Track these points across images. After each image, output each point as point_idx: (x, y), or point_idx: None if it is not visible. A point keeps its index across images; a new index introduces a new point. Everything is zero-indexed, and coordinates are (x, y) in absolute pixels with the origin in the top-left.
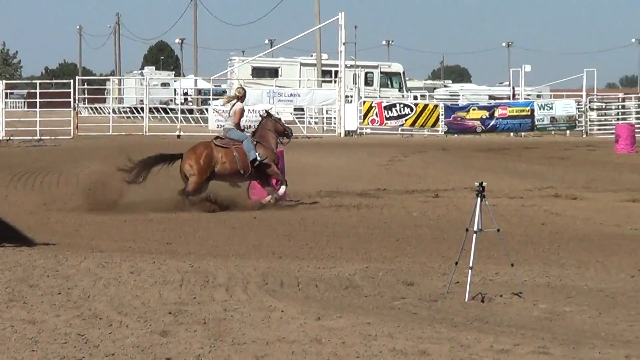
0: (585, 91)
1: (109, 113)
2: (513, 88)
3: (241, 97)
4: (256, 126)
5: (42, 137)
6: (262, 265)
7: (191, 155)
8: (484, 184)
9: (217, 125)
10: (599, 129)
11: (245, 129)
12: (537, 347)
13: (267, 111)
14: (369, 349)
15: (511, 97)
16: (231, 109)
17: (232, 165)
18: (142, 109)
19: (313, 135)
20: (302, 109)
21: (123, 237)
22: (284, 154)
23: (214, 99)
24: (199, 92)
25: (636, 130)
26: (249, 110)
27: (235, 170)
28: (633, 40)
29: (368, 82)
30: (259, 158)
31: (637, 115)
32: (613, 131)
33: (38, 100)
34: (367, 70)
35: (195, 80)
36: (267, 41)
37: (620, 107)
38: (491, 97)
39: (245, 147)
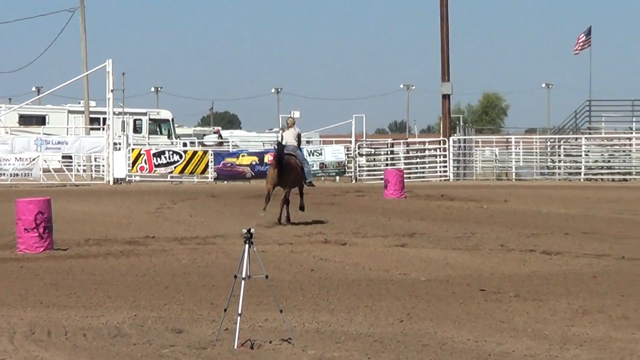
0: (354, 137)
1: None
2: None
3: (293, 125)
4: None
5: None
6: (29, 314)
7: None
8: (252, 230)
9: None
10: (368, 175)
11: None
12: None
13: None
14: None
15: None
16: (285, 132)
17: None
18: None
19: (81, 183)
20: (70, 157)
21: None
22: None
23: None
24: None
25: (405, 176)
26: (15, 157)
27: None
28: (402, 86)
29: (137, 129)
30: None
31: (406, 160)
32: (382, 176)
33: None
34: (135, 117)
35: None
36: (34, 88)
37: (389, 152)
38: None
39: (305, 169)
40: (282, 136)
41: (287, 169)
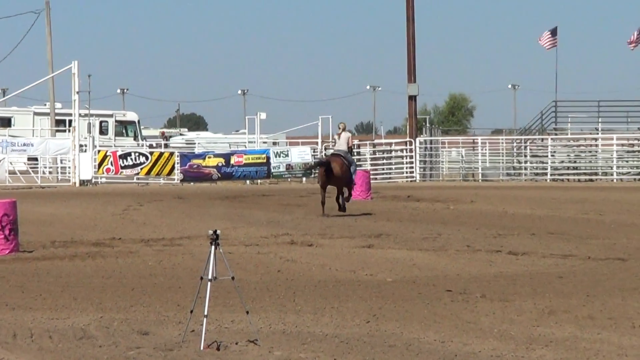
0: (320, 138)
1: None
2: None
3: (344, 129)
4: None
5: None
6: None
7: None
8: (218, 231)
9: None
10: None
11: None
12: None
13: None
14: None
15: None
16: (339, 137)
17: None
18: None
19: (47, 185)
20: (36, 159)
21: None
22: None
23: None
24: None
25: (371, 177)
26: None
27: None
28: (368, 87)
29: (103, 131)
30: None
31: (372, 161)
32: None
33: None
34: (101, 119)
35: None
36: None
37: (355, 153)
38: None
39: (352, 169)
40: (335, 140)
41: (336, 173)
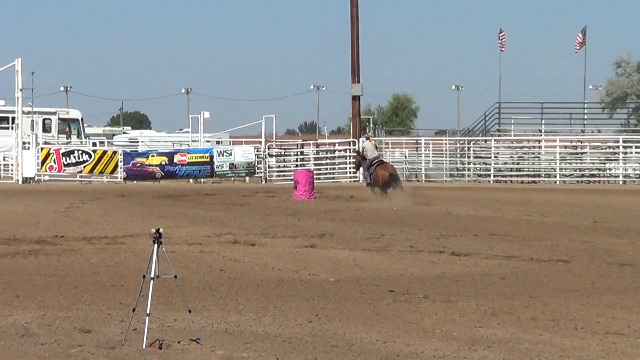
0: (264, 137)
1: None
2: None
3: (368, 138)
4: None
5: None
6: None
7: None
8: (161, 230)
9: None
10: (278, 175)
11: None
12: None
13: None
14: None
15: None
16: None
17: None
18: None
19: None
20: None
21: None
22: None
23: None
24: None
25: (315, 177)
26: None
27: None
28: (312, 87)
29: (46, 128)
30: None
31: (316, 161)
32: (292, 177)
33: None
34: (45, 116)
35: None
36: None
37: (299, 153)
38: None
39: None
40: (365, 149)
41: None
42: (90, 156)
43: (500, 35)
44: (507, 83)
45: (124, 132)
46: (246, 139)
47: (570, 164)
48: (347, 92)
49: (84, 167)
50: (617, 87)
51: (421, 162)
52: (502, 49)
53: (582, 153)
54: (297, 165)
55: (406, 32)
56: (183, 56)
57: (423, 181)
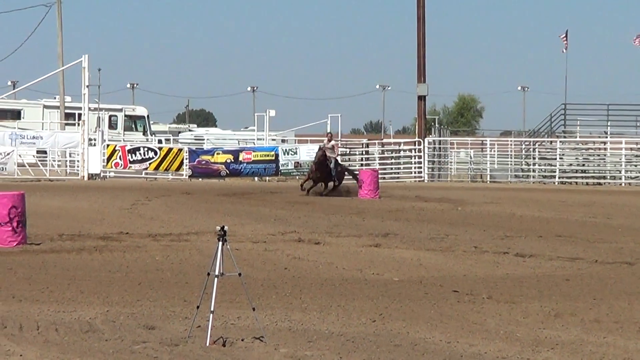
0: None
1: None
2: None
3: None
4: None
5: None
6: (1, 308)
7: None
8: (226, 227)
9: None
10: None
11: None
12: None
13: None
14: None
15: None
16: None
17: None
18: None
19: (56, 178)
20: (45, 152)
21: None
22: None
23: None
24: None
25: (379, 176)
26: None
27: None
28: (377, 86)
29: (112, 125)
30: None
31: (381, 160)
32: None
33: None
34: (111, 113)
35: None
36: (9, 82)
37: (364, 152)
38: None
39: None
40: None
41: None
42: (155, 153)
43: (562, 37)
44: (574, 84)
45: (189, 130)
46: (311, 138)
47: (635, 166)
48: (412, 92)
49: (150, 164)
50: None
51: (486, 163)
52: (564, 49)
53: None
54: (362, 165)
55: (472, 32)
56: (250, 54)
57: (488, 182)
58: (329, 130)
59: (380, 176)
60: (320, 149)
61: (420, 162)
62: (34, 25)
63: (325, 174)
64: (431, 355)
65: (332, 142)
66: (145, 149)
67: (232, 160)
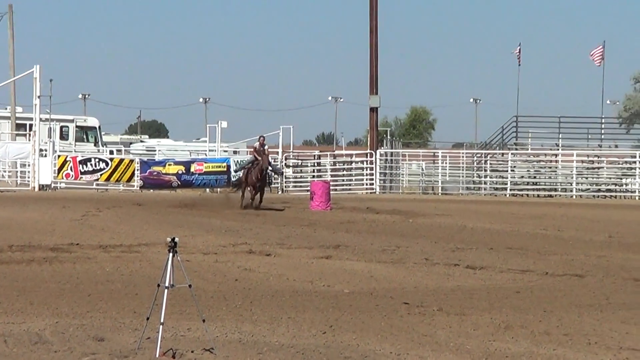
0: (281, 148)
1: None
2: None
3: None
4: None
5: None
6: None
7: None
8: (176, 239)
9: None
10: (295, 186)
11: None
12: None
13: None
14: None
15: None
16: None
17: None
18: None
19: (6, 189)
20: None
21: None
22: None
23: None
24: None
25: (331, 188)
26: None
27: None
28: (330, 98)
29: (63, 136)
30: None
31: (332, 172)
32: (308, 188)
33: None
34: (62, 124)
35: None
36: None
37: (315, 164)
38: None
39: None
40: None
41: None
42: (107, 164)
43: (515, 51)
44: (525, 96)
45: (141, 141)
46: None
47: (586, 178)
48: (365, 104)
49: (101, 175)
50: (635, 103)
51: (438, 175)
52: (518, 64)
53: (598, 168)
54: (313, 176)
55: (425, 44)
56: (202, 65)
57: (440, 194)
58: (266, 141)
59: (332, 188)
60: (255, 159)
61: (372, 174)
62: None
63: (264, 183)
64: None
65: (266, 146)
66: (97, 159)
67: (184, 172)
